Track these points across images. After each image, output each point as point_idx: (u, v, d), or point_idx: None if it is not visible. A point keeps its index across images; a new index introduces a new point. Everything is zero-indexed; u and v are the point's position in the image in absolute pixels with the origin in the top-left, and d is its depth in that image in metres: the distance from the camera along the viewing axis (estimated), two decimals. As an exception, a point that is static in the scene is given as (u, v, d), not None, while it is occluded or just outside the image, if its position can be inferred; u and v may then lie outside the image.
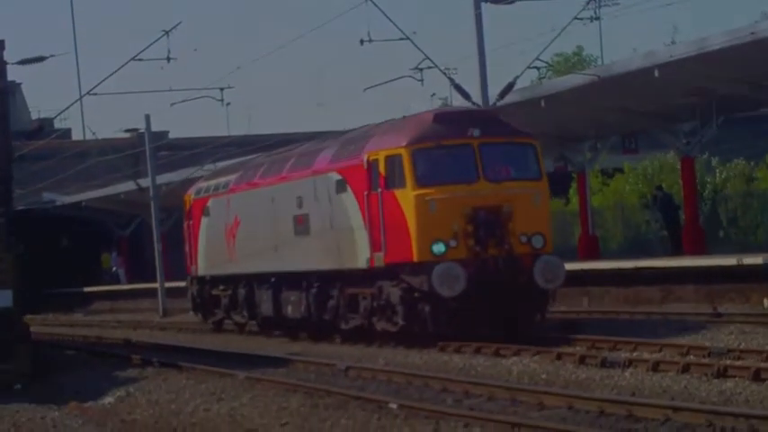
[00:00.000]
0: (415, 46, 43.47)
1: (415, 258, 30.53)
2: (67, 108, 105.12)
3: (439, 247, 30.52)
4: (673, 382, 21.13)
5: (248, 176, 39.73)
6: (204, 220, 43.09)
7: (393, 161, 31.15)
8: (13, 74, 46.74)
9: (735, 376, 20.99)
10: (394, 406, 20.70)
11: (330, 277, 34.96)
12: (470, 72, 42.03)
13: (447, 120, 31.71)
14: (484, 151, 31.11)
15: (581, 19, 42.62)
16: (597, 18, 43.25)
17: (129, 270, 75.66)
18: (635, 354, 24.74)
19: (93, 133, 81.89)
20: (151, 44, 46.34)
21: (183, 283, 56.80)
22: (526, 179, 31.47)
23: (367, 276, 32.84)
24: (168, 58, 47.58)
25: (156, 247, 60.07)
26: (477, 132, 31.05)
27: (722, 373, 21.53)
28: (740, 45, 34.50)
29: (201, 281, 44.12)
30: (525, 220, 30.89)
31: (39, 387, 28.21)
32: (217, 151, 62.03)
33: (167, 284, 58.97)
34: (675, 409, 17.78)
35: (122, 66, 46.17)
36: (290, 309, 36.85)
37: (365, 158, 31.68)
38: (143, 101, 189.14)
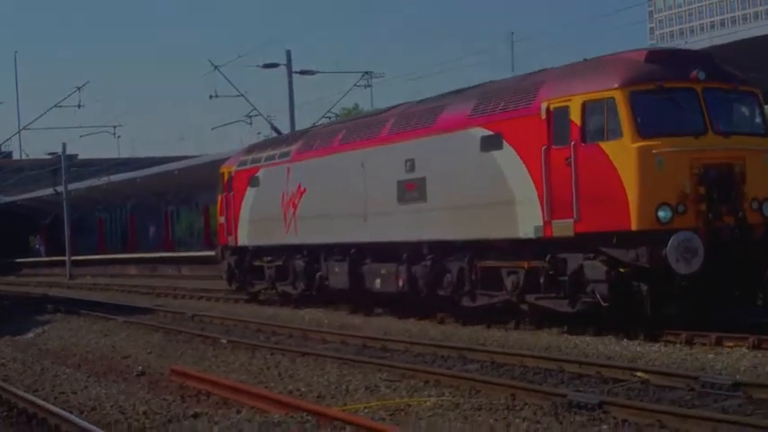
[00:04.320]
0: (247, 100, 45.25)
1: (634, 226, 15.54)
2: (9, 138, 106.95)
3: (666, 214, 15.51)
4: (412, 326, 19.40)
5: (319, 143, 22.92)
6: (251, 191, 25.99)
7: (598, 107, 16.27)
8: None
9: (449, 323, 19.11)
10: (224, 341, 18.70)
11: (449, 249, 19.02)
12: (285, 119, 42.43)
13: (664, 58, 16.66)
14: (708, 98, 16.10)
15: (358, 86, 42.85)
16: (369, 86, 43.82)
17: (48, 247, 74.10)
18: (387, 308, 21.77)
19: (27, 155, 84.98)
20: (67, 96, 47.42)
21: (82, 257, 60.18)
22: (754, 134, 16.51)
23: (525, 248, 17.72)
24: (79, 106, 47.62)
25: (66, 232, 56.50)
26: (702, 75, 16.21)
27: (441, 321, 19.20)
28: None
29: (241, 251, 26.45)
30: (757, 182, 15.94)
31: (-15, 326, 24.48)
32: (111, 168, 62.63)
33: (73, 258, 57.57)
34: (411, 343, 16.28)
35: (47, 110, 48.84)
36: (378, 283, 20.26)
37: (544, 106, 15.27)
38: (61, 133, 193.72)
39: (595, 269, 15.86)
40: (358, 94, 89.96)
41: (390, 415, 10.58)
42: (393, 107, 22.70)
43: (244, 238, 27.80)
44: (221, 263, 29.64)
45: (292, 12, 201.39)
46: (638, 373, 12.03)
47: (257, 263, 27.46)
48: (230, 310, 25.85)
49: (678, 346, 14.62)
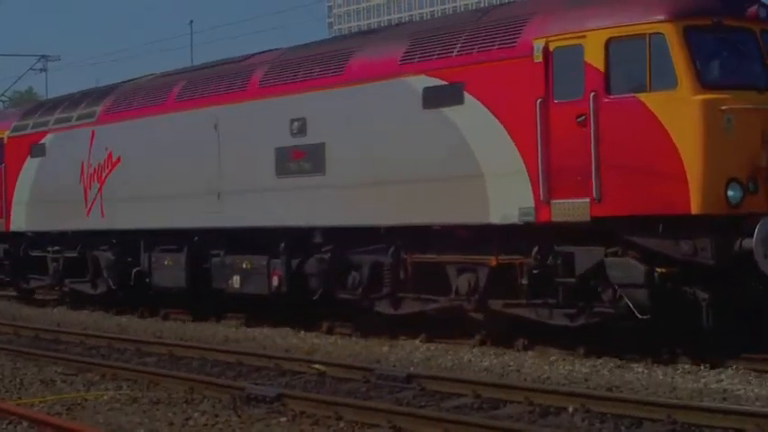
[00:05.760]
0: None
1: (696, 209, 10.75)
2: None
3: (736, 193, 10.92)
4: (86, 318, 18.37)
5: (142, 99, 16.56)
6: (33, 163, 19.50)
7: (635, 46, 11.37)
8: None
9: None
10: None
11: (358, 238, 13.64)
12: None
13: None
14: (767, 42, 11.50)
15: (34, 69, 41.70)
16: (45, 70, 43.47)
17: None
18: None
19: None
20: None
21: None
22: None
23: (490, 237, 12.70)
24: None
25: None
26: (763, 12, 11.69)
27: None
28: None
29: (16, 238, 19.17)
30: None
31: None
32: None
33: None
34: (86, 335, 15.39)
35: None
36: (237, 281, 14.00)
37: (538, 45, 9.86)
38: None
39: (628, 269, 11.01)
40: (33, 78, 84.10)
41: (67, 409, 10.09)
42: (256, 54, 16.80)
43: (20, 221, 20.90)
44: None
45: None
46: (316, 366, 11.71)
47: (38, 253, 20.59)
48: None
49: (354, 338, 14.30)
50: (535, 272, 12.00)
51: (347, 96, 14.00)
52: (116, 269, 18.35)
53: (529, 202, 11.82)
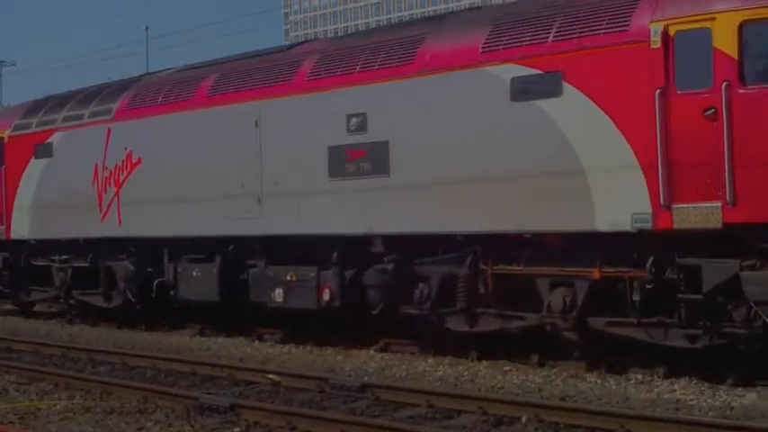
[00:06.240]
0: None
1: None
2: None
3: None
4: (41, 326, 18.19)
5: (168, 94, 14.59)
6: (38, 164, 17.73)
7: None
8: None
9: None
10: None
11: (427, 246, 12.27)
12: None
13: None
14: None
15: None
16: None
17: None
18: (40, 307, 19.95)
19: None
20: None
21: None
22: None
23: (589, 245, 11.10)
24: None
25: None
26: None
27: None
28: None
29: (15, 247, 17.44)
30: None
31: None
32: None
33: None
34: (40, 344, 15.22)
35: None
36: (280, 294, 12.39)
37: (655, 29, 8.50)
38: None
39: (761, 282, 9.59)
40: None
41: (20, 419, 10.13)
42: (302, 43, 15.24)
43: (22, 228, 19.13)
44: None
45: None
46: (270, 375, 11.68)
47: (41, 262, 18.85)
48: None
49: (308, 347, 14.24)
50: (649, 287, 10.60)
51: (417, 88, 12.52)
52: (136, 280, 16.72)
53: (645, 206, 10.41)
